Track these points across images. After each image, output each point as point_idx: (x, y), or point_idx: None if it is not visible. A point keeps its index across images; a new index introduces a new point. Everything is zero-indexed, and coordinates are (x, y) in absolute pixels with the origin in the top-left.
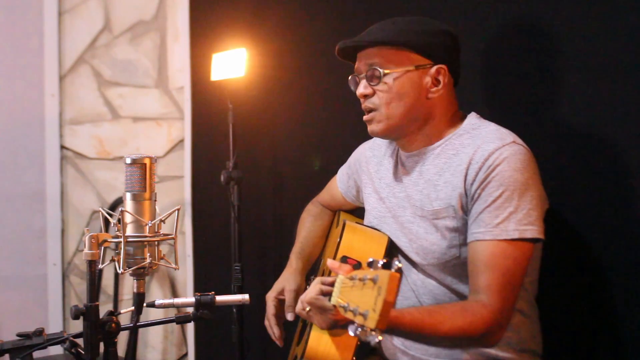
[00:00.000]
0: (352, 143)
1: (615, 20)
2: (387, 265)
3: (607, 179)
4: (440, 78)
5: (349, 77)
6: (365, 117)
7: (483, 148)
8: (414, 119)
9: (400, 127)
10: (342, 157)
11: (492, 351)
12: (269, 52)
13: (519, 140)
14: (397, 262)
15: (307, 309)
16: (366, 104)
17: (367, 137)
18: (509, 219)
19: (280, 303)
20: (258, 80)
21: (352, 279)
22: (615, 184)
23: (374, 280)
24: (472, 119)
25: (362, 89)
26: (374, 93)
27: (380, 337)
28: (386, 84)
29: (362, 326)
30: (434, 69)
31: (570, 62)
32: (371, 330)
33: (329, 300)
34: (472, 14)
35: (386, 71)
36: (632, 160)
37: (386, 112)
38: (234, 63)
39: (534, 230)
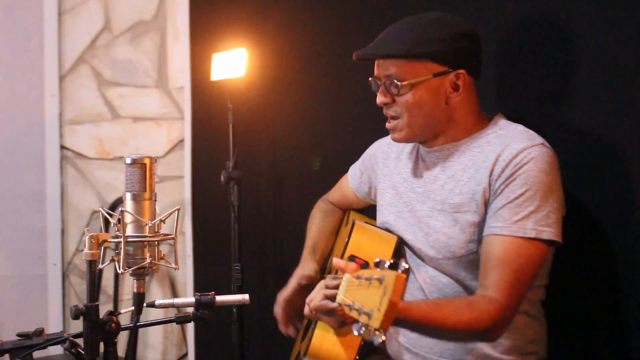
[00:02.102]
0: (352, 143)
1: (627, 20)
2: (394, 266)
3: (615, 181)
4: (460, 83)
5: (370, 79)
6: (387, 126)
7: (512, 146)
8: (435, 124)
9: (422, 133)
10: (341, 157)
11: (497, 354)
12: (269, 52)
13: (547, 144)
14: (404, 264)
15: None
16: (387, 112)
17: (366, 136)
18: (529, 218)
19: (290, 306)
20: (258, 80)
21: (358, 278)
22: (625, 187)
23: (380, 280)
24: (501, 119)
25: (381, 98)
26: (393, 101)
27: (383, 337)
28: (405, 94)
29: (366, 325)
30: (452, 75)
31: (580, 63)
32: (375, 329)
33: (335, 299)
34: (481, 14)
35: (404, 83)
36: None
37: (408, 120)
38: (234, 63)
39: (551, 232)
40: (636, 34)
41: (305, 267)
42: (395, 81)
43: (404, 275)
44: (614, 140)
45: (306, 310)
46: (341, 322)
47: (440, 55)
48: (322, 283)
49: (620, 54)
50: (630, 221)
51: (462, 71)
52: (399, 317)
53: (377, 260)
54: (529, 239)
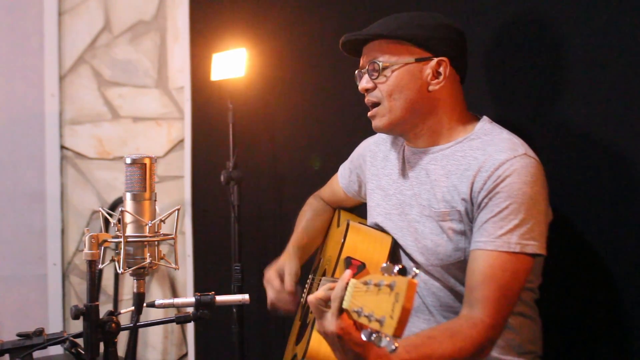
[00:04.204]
0: (352, 143)
1: (621, 20)
2: (403, 272)
3: (610, 180)
4: (442, 70)
5: (356, 72)
6: (369, 113)
7: (494, 157)
8: (416, 112)
9: (403, 121)
10: (342, 157)
11: (494, 354)
12: (269, 52)
13: (531, 152)
14: (414, 269)
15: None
16: (369, 98)
17: (366, 136)
18: (513, 232)
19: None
20: (258, 80)
21: (366, 283)
22: (619, 185)
23: (390, 287)
24: (485, 123)
25: (363, 83)
26: (375, 87)
27: (396, 344)
28: (386, 76)
29: (377, 332)
30: (434, 62)
31: (574, 62)
32: (387, 336)
33: (342, 304)
34: (474, 13)
35: (385, 64)
36: (635, 161)
37: (388, 104)
38: (234, 63)
39: (535, 246)
40: (630, 33)
41: (289, 264)
42: (377, 63)
43: (416, 282)
44: (608, 139)
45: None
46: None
47: (423, 40)
48: (326, 287)
49: (615, 54)
50: (624, 219)
51: (444, 59)
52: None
53: (384, 264)
54: (514, 253)
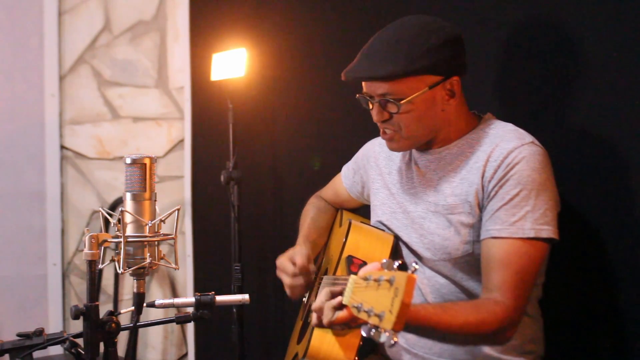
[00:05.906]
0: (352, 143)
1: (623, 20)
2: (403, 267)
3: (613, 180)
4: (454, 89)
5: (358, 95)
6: (384, 137)
7: (502, 146)
8: (432, 131)
9: (420, 142)
10: (342, 157)
11: (495, 353)
12: (269, 52)
13: (537, 142)
14: (414, 264)
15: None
16: (386, 127)
17: (367, 136)
18: (526, 218)
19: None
20: (258, 80)
21: (366, 279)
22: (622, 185)
23: (390, 282)
24: (491, 118)
25: (377, 115)
26: (390, 117)
27: (395, 339)
28: (404, 110)
29: (376, 327)
30: (447, 83)
31: (577, 61)
32: (387, 331)
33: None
34: (482, 14)
35: (402, 102)
36: (637, 161)
37: (407, 133)
38: (234, 63)
39: (549, 230)
40: (636, 34)
41: (302, 248)
42: (393, 100)
43: (415, 277)
44: (613, 140)
45: (315, 321)
46: (348, 326)
47: (434, 67)
48: (326, 293)
49: (621, 55)
50: (627, 219)
51: (455, 78)
52: (406, 320)
53: (384, 260)
54: (529, 239)
